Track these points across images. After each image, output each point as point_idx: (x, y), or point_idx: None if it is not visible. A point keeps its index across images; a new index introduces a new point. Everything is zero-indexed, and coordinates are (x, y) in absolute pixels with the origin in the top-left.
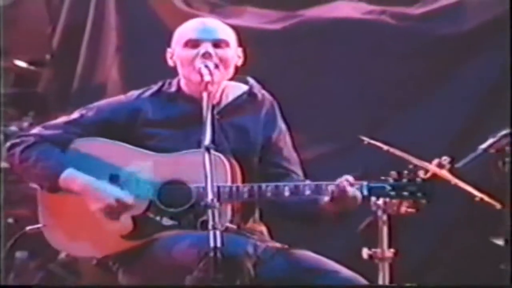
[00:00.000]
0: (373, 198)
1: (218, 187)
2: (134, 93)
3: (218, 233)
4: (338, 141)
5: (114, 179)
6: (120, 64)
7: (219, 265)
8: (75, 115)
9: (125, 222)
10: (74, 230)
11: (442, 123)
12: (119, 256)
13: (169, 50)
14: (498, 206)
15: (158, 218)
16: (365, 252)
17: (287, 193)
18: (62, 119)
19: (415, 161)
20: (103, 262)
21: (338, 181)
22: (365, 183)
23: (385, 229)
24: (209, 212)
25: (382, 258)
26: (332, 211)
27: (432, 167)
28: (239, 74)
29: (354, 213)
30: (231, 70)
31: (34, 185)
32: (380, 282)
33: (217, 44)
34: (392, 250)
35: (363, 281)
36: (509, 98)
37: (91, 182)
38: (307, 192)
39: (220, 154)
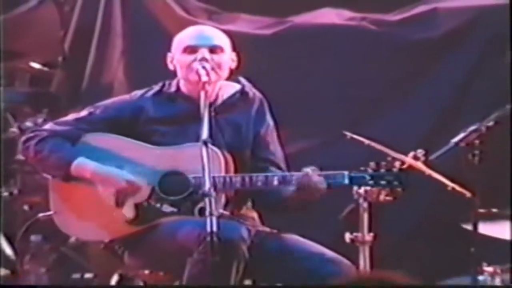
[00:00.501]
0: (355, 187)
1: (214, 177)
2: (137, 92)
3: (214, 219)
4: (324, 136)
5: (118, 169)
6: (125, 66)
7: (216, 248)
8: (84, 112)
9: (129, 209)
10: (83, 216)
11: (417, 120)
12: (124, 240)
13: (169, 54)
14: (468, 194)
15: (159, 205)
16: (347, 236)
17: (275, 183)
18: (72, 116)
19: (393, 154)
20: (109, 245)
21: (303, 172)
22: (346, 173)
23: (365, 216)
24: (206, 200)
25: (362, 242)
26: (297, 200)
27: (408, 159)
28: (233, 76)
29: (338, 201)
30: (225, 73)
31: (47, 176)
32: (361, 263)
33: (213, 50)
34: (371, 234)
35: (346, 262)
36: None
37: (102, 168)
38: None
39: (215, 148)
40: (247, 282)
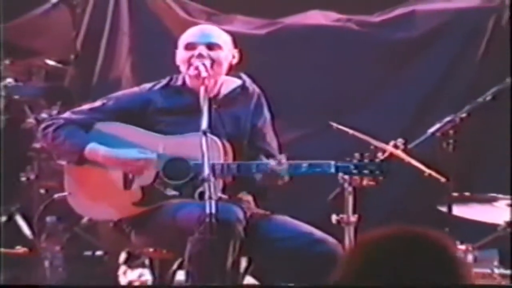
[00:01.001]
0: (340, 174)
1: (213, 164)
2: (146, 85)
3: (213, 202)
4: (312, 126)
5: None
6: (132, 63)
7: (214, 228)
8: (98, 103)
9: (136, 191)
10: (94, 198)
11: (397, 112)
12: (131, 220)
13: (176, 51)
14: (443, 179)
15: (163, 189)
16: (334, 218)
17: (268, 169)
18: (86, 106)
19: (375, 142)
20: (118, 225)
21: (277, 159)
22: (332, 162)
23: (350, 199)
24: (206, 184)
25: (347, 223)
26: (263, 186)
27: (389, 147)
28: (234, 71)
29: (326, 186)
30: (224, 68)
31: (62, 160)
32: (346, 242)
33: (210, 47)
34: (356, 215)
35: (333, 241)
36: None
37: (112, 150)
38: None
39: (215, 137)
40: (243, 259)
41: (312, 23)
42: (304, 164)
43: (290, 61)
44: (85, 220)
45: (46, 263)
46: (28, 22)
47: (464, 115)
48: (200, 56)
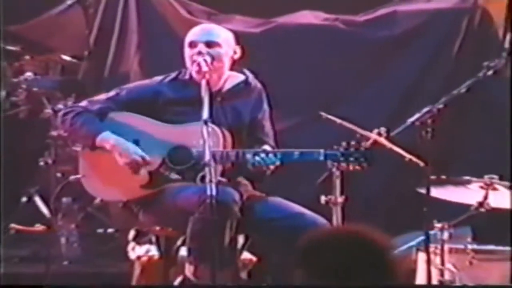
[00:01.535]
0: (328, 161)
1: (214, 151)
2: (157, 78)
3: (213, 185)
4: (303, 116)
5: (136, 142)
6: (139, 58)
7: (213, 209)
8: (112, 92)
9: (144, 175)
10: (106, 180)
11: (381, 103)
12: (139, 201)
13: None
14: (422, 164)
15: (167, 173)
16: (322, 199)
17: (262, 156)
18: (102, 96)
19: (361, 131)
20: (127, 205)
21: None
22: (322, 151)
23: (338, 182)
24: (206, 169)
25: (335, 203)
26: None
27: (373, 135)
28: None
29: (316, 170)
30: (226, 63)
31: (77, 145)
32: (334, 221)
33: (209, 44)
34: (343, 197)
35: (322, 220)
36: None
37: (121, 142)
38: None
39: (216, 127)
40: (240, 236)
41: (303, 22)
42: (296, 152)
43: (283, 57)
44: (97, 200)
45: (63, 240)
46: (46, 21)
47: (441, 106)
48: (200, 53)
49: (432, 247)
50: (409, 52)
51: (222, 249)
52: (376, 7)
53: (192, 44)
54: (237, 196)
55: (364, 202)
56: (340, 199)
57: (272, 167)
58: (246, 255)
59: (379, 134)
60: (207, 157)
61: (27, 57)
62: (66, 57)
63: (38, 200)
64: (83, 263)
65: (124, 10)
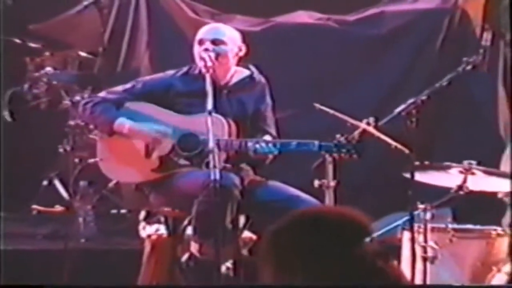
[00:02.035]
0: (322, 151)
1: (218, 140)
2: (169, 72)
3: (217, 170)
4: (298, 108)
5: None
6: (149, 55)
7: (216, 192)
8: (129, 85)
9: (155, 160)
10: (120, 164)
11: (370, 95)
12: (150, 184)
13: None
14: (407, 151)
15: (176, 159)
16: (316, 183)
17: (263, 145)
18: (119, 87)
19: (351, 120)
20: (139, 187)
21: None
22: (316, 142)
23: (330, 167)
24: (210, 156)
25: (328, 187)
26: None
27: (362, 124)
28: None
29: (311, 156)
30: (231, 59)
31: (94, 136)
32: (327, 203)
33: (215, 42)
34: (335, 181)
35: (316, 201)
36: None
37: (136, 124)
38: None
39: (221, 117)
40: (242, 217)
41: (298, 21)
42: (293, 142)
43: (281, 53)
44: (111, 184)
45: (80, 220)
46: (64, 21)
47: (424, 97)
48: (206, 49)
49: (416, 226)
50: (395, 48)
51: (224, 228)
52: (365, 7)
53: (200, 42)
54: (237, 180)
55: (354, 186)
56: (332, 183)
57: (271, 156)
58: (247, 233)
59: (368, 123)
60: (211, 144)
61: (47, 53)
62: (83, 53)
63: (58, 183)
64: (98, 240)
65: (135, 11)
